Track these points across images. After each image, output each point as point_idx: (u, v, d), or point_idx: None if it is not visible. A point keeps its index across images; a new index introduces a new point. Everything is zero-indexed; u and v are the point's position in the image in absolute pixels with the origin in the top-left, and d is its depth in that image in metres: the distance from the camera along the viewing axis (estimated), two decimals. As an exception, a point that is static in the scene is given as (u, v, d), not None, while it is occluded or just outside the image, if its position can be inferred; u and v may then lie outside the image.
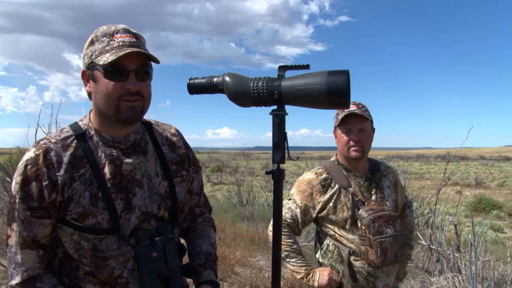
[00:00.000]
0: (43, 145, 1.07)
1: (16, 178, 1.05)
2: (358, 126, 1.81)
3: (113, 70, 1.05)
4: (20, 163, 1.07)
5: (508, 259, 3.76)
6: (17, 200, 1.04)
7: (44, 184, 1.04)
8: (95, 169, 1.08)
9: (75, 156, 1.08)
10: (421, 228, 5.45)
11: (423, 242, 4.57)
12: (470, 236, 3.50)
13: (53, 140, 1.09)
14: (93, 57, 1.07)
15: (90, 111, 1.17)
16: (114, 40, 1.07)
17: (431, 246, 4.39)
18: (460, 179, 19.64)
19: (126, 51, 1.04)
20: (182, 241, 1.32)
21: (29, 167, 1.04)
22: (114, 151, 1.13)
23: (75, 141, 1.10)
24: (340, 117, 1.83)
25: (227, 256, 4.61)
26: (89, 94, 1.14)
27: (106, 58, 1.04)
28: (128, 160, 1.14)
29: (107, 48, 1.06)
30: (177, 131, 1.33)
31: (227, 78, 1.07)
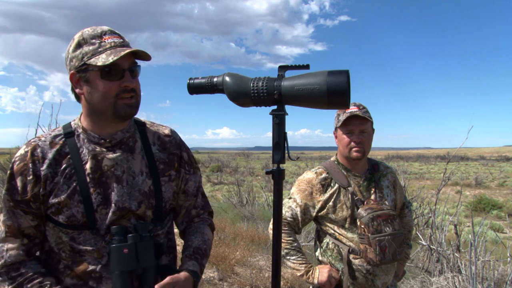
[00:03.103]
0: (32, 143, 1.15)
1: (8, 172, 1.14)
2: (359, 127, 1.83)
3: (110, 70, 1.09)
4: (13, 159, 1.15)
5: (508, 259, 3.75)
6: (3, 191, 1.14)
7: (28, 178, 1.11)
8: (77, 164, 1.13)
9: (60, 152, 1.15)
10: (421, 228, 5.45)
11: (423, 242, 4.57)
12: (470, 236, 3.50)
13: (42, 139, 1.16)
14: (85, 59, 1.10)
15: (81, 113, 1.22)
16: (105, 42, 1.11)
17: (431, 246, 4.39)
18: (460, 179, 19.64)
19: (127, 51, 1.08)
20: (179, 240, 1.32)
21: (17, 162, 1.13)
22: (97, 147, 1.17)
23: (63, 139, 1.17)
24: (341, 118, 1.84)
25: (227, 256, 4.61)
26: (77, 96, 1.18)
27: (105, 59, 1.07)
28: (110, 156, 1.17)
29: (99, 49, 1.09)
30: (172, 132, 1.35)
31: (227, 78, 1.07)
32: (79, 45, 1.11)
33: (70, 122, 1.23)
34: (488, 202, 12.52)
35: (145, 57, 1.16)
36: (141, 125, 1.29)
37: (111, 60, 1.06)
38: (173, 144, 1.31)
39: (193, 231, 1.36)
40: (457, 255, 4.08)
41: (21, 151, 1.14)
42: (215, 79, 1.10)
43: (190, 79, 1.15)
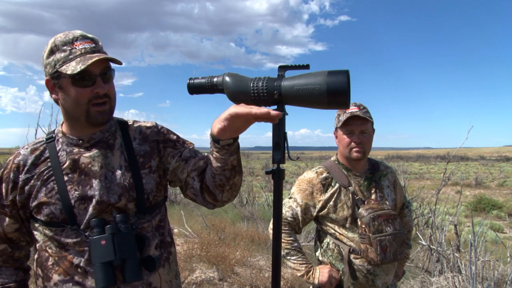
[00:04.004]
0: (16, 152, 1.23)
1: None
2: (360, 127, 1.83)
3: (81, 77, 1.10)
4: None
5: (508, 259, 3.76)
6: None
7: (9, 185, 1.19)
8: (55, 166, 1.17)
9: (39, 157, 1.20)
10: (421, 228, 5.45)
11: (423, 242, 4.57)
12: (470, 236, 3.50)
13: (25, 147, 1.23)
14: (57, 66, 1.11)
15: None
16: (76, 48, 1.11)
17: (431, 246, 4.39)
18: (460, 179, 19.64)
19: (94, 59, 1.08)
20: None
21: (2, 170, 1.21)
22: (76, 148, 1.21)
23: (44, 145, 1.22)
24: (342, 118, 1.84)
25: (227, 256, 4.61)
26: (56, 101, 1.21)
27: (74, 67, 1.07)
28: (86, 154, 1.19)
29: (70, 57, 1.10)
30: (156, 124, 1.34)
31: (227, 78, 1.07)
32: (51, 52, 1.13)
33: (54, 130, 1.29)
34: (488, 202, 12.52)
35: (116, 62, 1.16)
36: (123, 124, 1.30)
37: (79, 69, 1.06)
38: (154, 132, 1.30)
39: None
40: (457, 255, 4.08)
41: (8, 160, 1.22)
42: (215, 79, 1.10)
43: (190, 79, 1.15)
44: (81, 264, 1.15)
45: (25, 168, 1.18)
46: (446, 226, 4.56)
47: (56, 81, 1.14)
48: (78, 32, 1.15)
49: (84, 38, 1.14)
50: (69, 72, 1.07)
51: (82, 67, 1.06)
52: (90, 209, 1.15)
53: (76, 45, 1.12)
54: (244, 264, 4.74)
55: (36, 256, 1.22)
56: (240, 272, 4.52)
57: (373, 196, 1.85)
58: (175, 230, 6.17)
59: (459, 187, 15.46)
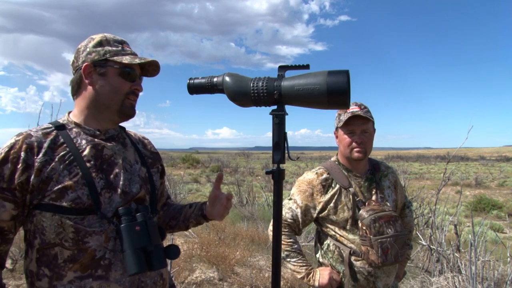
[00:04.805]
0: (24, 133, 1.16)
1: None
2: (361, 127, 1.81)
3: (127, 72, 1.22)
4: (0, 148, 1.14)
5: (508, 259, 3.75)
6: None
7: (17, 167, 1.10)
8: (74, 152, 1.16)
9: (55, 142, 1.17)
10: (421, 228, 5.45)
11: (423, 242, 4.57)
12: (470, 236, 3.50)
13: (34, 130, 1.18)
14: (107, 55, 1.21)
15: (69, 112, 1.29)
16: (126, 49, 1.25)
17: (431, 246, 4.38)
18: (460, 179, 19.63)
19: (150, 59, 1.23)
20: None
21: (6, 150, 1.12)
22: (95, 139, 1.23)
23: (55, 131, 1.19)
24: (342, 118, 1.83)
25: (227, 256, 4.61)
26: (78, 89, 1.24)
27: (130, 60, 1.20)
28: (109, 145, 1.24)
29: (122, 52, 1.23)
30: (151, 142, 1.50)
31: (227, 78, 1.07)
32: (100, 44, 1.22)
33: (56, 120, 1.28)
34: (488, 202, 12.51)
35: (153, 72, 1.30)
36: (122, 128, 1.39)
37: (137, 61, 1.20)
38: (152, 146, 1.45)
39: (175, 205, 1.53)
40: (457, 255, 4.08)
41: (11, 141, 1.13)
42: (215, 79, 1.10)
43: (190, 79, 1.15)
44: (106, 256, 1.13)
45: (42, 150, 1.12)
46: (446, 226, 4.56)
47: (99, 68, 1.20)
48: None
49: (128, 45, 1.30)
50: (125, 61, 1.19)
51: (142, 61, 1.21)
52: (117, 197, 1.17)
53: (125, 47, 1.26)
54: (244, 264, 4.74)
55: (36, 256, 1.13)
56: (240, 272, 4.52)
57: (373, 197, 1.83)
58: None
59: (459, 187, 15.45)
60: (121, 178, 1.20)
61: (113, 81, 1.21)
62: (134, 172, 1.25)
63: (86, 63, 1.20)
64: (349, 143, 1.83)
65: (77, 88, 1.24)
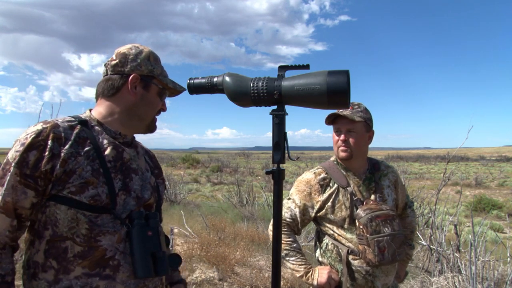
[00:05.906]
0: (51, 122, 1.14)
1: (16, 146, 1.10)
2: (346, 126, 1.83)
3: (163, 93, 1.32)
4: (24, 134, 1.12)
5: (508, 259, 3.75)
6: (12, 164, 1.08)
7: (44, 154, 1.08)
8: (97, 149, 1.17)
9: (79, 135, 1.17)
10: (421, 228, 5.45)
11: (423, 242, 4.57)
12: (470, 236, 3.50)
13: (60, 120, 1.18)
14: (154, 72, 1.28)
15: (90, 109, 1.29)
16: (164, 70, 1.33)
17: (431, 246, 4.38)
18: (460, 179, 19.63)
19: (183, 91, 1.35)
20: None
21: (33, 136, 1.09)
22: (115, 140, 1.25)
23: (79, 126, 1.19)
24: (329, 116, 1.86)
25: (227, 256, 4.61)
26: (116, 91, 1.25)
27: (172, 85, 1.32)
28: (127, 150, 1.27)
29: (163, 73, 1.32)
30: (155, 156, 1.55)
31: (227, 78, 1.08)
32: (148, 58, 1.28)
33: (77, 115, 1.27)
34: (488, 202, 12.51)
35: (172, 95, 1.39)
36: (133, 136, 1.42)
37: (178, 89, 1.33)
38: (156, 160, 1.49)
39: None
40: (457, 255, 4.07)
41: (38, 127, 1.11)
42: (215, 79, 1.10)
43: (190, 79, 1.15)
44: (116, 256, 1.14)
45: (68, 142, 1.12)
46: (446, 226, 4.56)
47: (144, 82, 1.27)
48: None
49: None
50: (170, 85, 1.31)
51: (180, 89, 1.34)
52: (131, 201, 1.20)
53: (159, 65, 1.33)
54: (244, 264, 4.74)
55: (45, 247, 1.11)
56: (240, 272, 4.52)
57: (372, 197, 1.83)
58: (175, 230, 6.16)
59: (459, 187, 15.46)
60: (137, 183, 1.24)
61: (152, 97, 1.28)
62: (146, 179, 1.29)
63: (135, 74, 1.24)
64: (335, 141, 1.87)
65: (115, 91, 1.25)
